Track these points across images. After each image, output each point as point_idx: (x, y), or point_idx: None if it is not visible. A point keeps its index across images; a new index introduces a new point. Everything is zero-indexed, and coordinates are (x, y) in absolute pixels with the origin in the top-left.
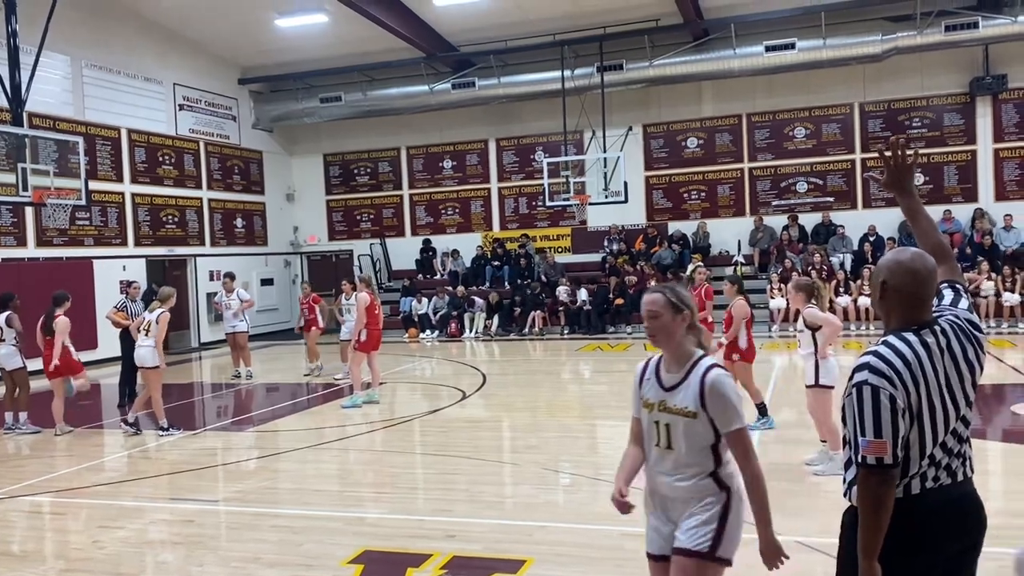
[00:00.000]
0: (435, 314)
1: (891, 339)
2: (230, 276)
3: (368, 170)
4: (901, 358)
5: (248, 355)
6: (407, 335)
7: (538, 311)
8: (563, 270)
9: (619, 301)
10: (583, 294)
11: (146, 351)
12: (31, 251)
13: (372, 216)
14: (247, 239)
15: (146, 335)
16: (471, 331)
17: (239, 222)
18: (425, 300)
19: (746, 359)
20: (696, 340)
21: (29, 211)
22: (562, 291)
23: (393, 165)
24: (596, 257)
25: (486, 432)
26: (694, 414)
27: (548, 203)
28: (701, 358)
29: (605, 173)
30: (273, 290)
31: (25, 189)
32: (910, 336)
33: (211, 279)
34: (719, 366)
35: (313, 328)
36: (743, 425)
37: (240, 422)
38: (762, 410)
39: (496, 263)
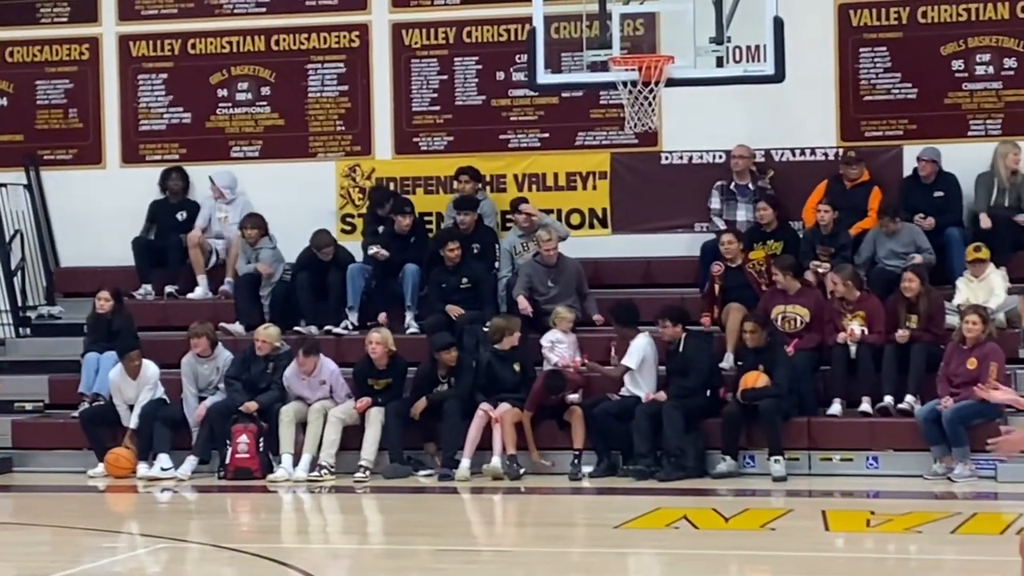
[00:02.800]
0: (193, 414)
1: None
2: None
3: None
4: None
5: None
6: (102, 465)
7: (502, 407)
8: (578, 273)
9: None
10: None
11: None
12: None
13: (3, 105)
14: None
15: None
16: (293, 463)
17: None
18: (150, 373)
19: None
20: None
21: None
22: (566, 341)
23: None
24: (678, 244)
25: None
26: None
27: (542, 79)
28: None
29: (718, 2)
30: None
31: None
32: None
33: None
34: None
35: None
36: None
37: None
38: None
39: (376, 254)
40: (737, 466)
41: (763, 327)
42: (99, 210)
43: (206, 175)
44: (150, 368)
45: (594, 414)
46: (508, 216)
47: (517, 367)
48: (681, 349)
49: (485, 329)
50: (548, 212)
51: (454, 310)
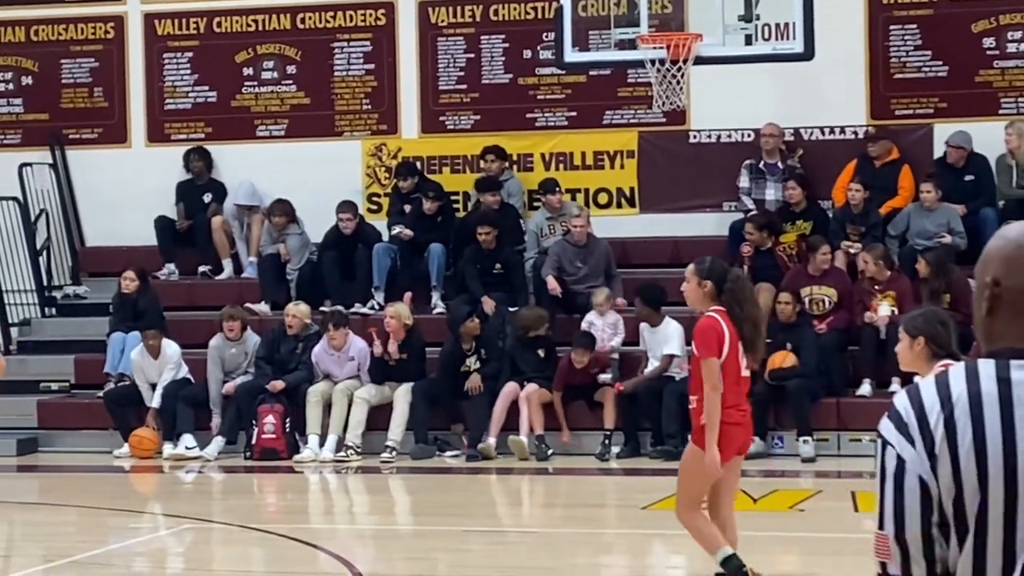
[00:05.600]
0: (218, 399)
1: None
2: None
3: None
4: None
5: None
6: (127, 445)
7: (530, 387)
8: (607, 254)
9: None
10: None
11: None
12: None
13: (28, 84)
14: None
15: None
16: (319, 444)
17: None
18: (172, 352)
19: None
20: None
21: None
22: (598, 324)
23: None
24: (706, 223)
25: None
26: None
27: (569, 57)
28: None
29: None
30: None
31: None
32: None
33: None
34: None
35: None
36: None
37: None
38: None
39: (400, 234)
40: (766, 447)
41: (797, 301)
42: (124, 189)
43: (230, 155)
44: (171, 347)
45: (626, 393)
46: (535, 196)
47: (541, 352)
48: None
49: (512, 309)
50: (575, 191)
51: (488, 303)
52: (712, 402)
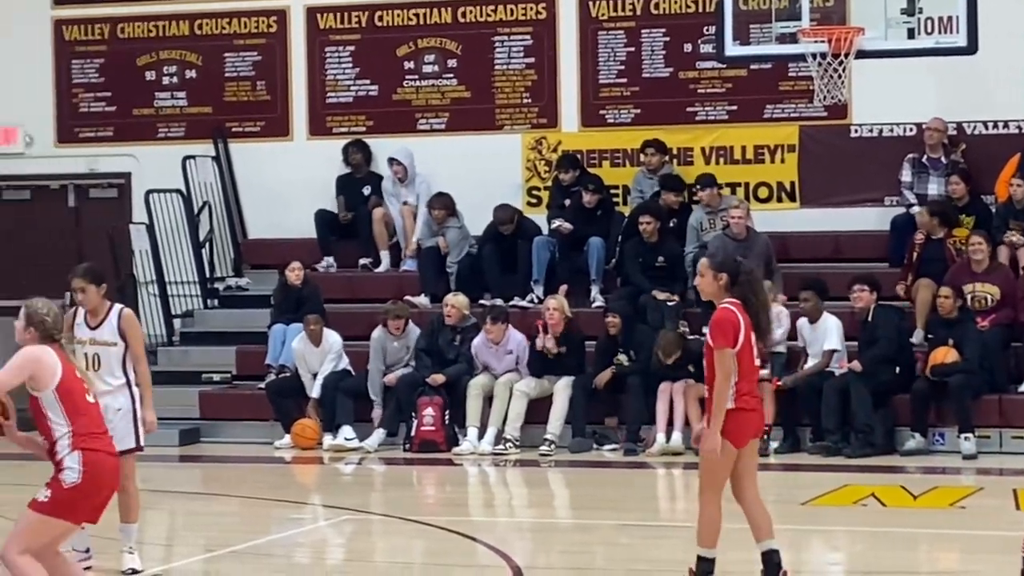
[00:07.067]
0: (378, 391)
1: None
2: None
3: None
4: None
5: None
6: (288, 436)
7: (686, 381)
8: (767, 247)
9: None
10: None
11: None
12: None
13: (193, 77)
14: None
15: None
16: (478, 437)
17: None
18: (333, 341)
19: None
20: None
21: None
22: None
23: None
24: (867, 217)
25: None
26: None
27: (730, 51)
28: None
29: None
30: None
31: None
32: None
33: None
34: None
35: None
36: None
37: None
38: None
39: (560, 227)
40: (926, 443)
41: (958, 295)
42: (285, 182)
43: (389, 148)
44: (332, 336)
45: (785, 388)
46: (693, 191)
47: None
48: (871, 319)
49: (671, 302)
50: (735, 185)
51: (661, 294)
52: (722, 390)
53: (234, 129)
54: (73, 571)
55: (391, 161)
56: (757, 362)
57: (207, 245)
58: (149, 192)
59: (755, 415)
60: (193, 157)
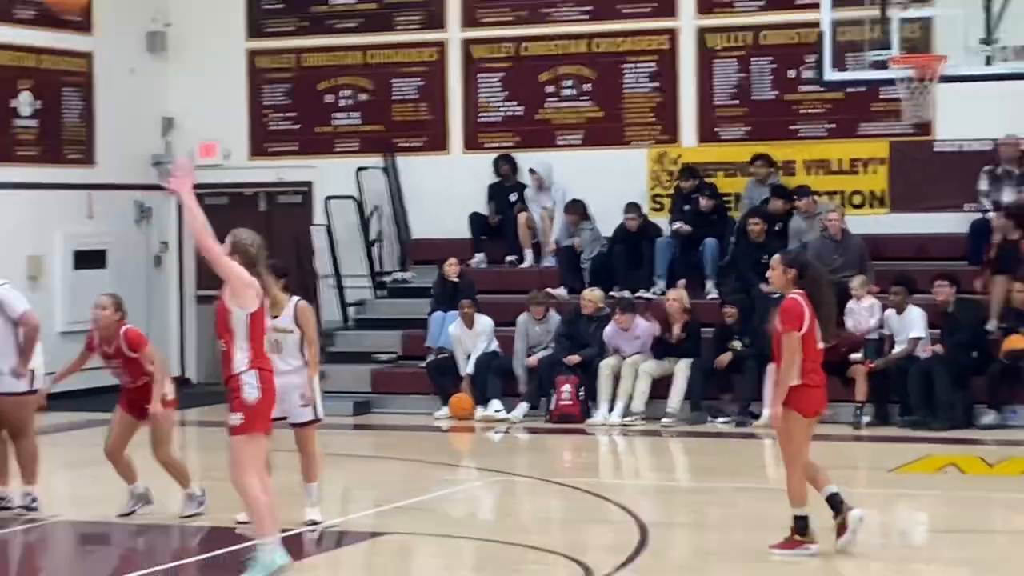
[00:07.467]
0: (522, 370)
1: None
2: None
3: None
4: None
5: (30, 455)
6: (446, 408)
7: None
8: (860, 247)
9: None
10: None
11: None
12: None
13: (365, 100)
14: (44, 149)
15: None
16: (608, 410)
17: (24, 105)
18: (485, 324)
19: None
20: None
21: None
22: (855, 309)
23: None
24: (949, 222)
25: None
26: None
27: (829, 76)
28: None
29: (988, 6)
30: (105, 276)
31: None
32: None
33: None
34: None
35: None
36: None
37: None
38: None
39: (680, 229)
40: (1001, 418)
41: None
42: (444, 189)
43: (532, 161)
44: (484, 319)
45: (876, 370)
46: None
47: None
48: (952, 310)
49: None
50: (832, 194)
51: (766, 288)
52: (788, 369)
53: (400, 144)
54: (270, 485)
55: (531, 171)
56: (820, 346)
57: (377, 244)
58: (328, 199)
59: (819, 391)
60: (365, 168)
